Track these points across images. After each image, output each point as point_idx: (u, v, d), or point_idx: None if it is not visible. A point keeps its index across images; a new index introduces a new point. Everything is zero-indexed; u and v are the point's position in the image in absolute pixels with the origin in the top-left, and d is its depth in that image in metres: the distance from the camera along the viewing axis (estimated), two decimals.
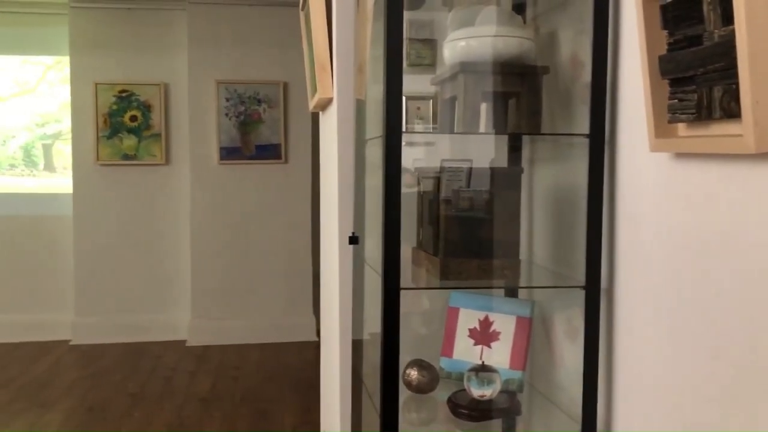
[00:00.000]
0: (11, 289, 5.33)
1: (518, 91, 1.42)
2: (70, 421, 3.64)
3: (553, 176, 1.61)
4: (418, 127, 1.61)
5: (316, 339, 5.24)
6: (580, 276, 1.41)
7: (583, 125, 1.36)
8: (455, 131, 1.41)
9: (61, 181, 5.58)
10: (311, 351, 4.99)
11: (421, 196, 1.59)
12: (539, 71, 1.46)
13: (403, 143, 1.32)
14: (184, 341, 5.25)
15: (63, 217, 5.33)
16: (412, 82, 1.90)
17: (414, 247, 1.68)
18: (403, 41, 1.34)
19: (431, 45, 1.90)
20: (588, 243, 1.37)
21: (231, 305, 5.31)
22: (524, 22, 1.63)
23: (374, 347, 1.63)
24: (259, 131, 5.26)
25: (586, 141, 1.34)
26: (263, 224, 5.32)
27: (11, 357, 4.85)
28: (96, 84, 5.19)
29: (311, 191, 5.31)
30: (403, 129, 1.33)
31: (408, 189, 1.50)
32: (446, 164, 1.46)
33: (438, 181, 1.47)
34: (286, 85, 5.27)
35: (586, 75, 1.50)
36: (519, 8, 1.63)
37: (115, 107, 5.22)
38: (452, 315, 1.78)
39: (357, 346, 2.01)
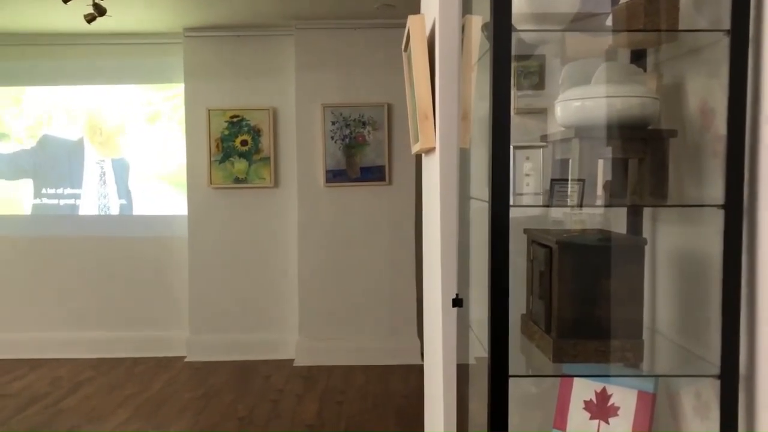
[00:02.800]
0: (132, 307, 5.62)
1: (641, 157, 1.29)
2: None
3: (678, 243, 1.45)
4: (527, 189, 1.50)
5: (421, 363, 5.17)
6: (713, 355, 1.26)
7: (716, 189, 1.21)
8: (569, 204, 1.29)
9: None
10: (416, 375, 4.92)
11: (531, 262, 1.48)
12: (665, 135, 1.31)
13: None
14: (291, 360, 5.33)
15: (179, 238, 5.56)
16: (521, 130, 1.79)
17: (523, 315, 1.58)
18: (511, 102, 1.25)
19: (541, 93, 1.78)
20: (724, 327, 1.22)
21: (336, 326, 5.34)
22: (644, 70, 1.49)
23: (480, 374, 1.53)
24: (364, 153, 5.27)
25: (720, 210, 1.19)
26: (368, 246, 5.32)
27: (131, 373, 5.10)
28: (209, 110, 5.38)
29: (415, 212, 5.26)
30: (511, 202, 1.24)
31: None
32: (562, 236, 1.35)
33: (550, 251, 1.36)
34: (390, 107, 5.26)
35: (719, 127, 1.34)
36: (638, 55, 1.49)
37: (226, 132, 5.40)
38: (566, 384, 1.65)
39: (462, 371, 1.92)
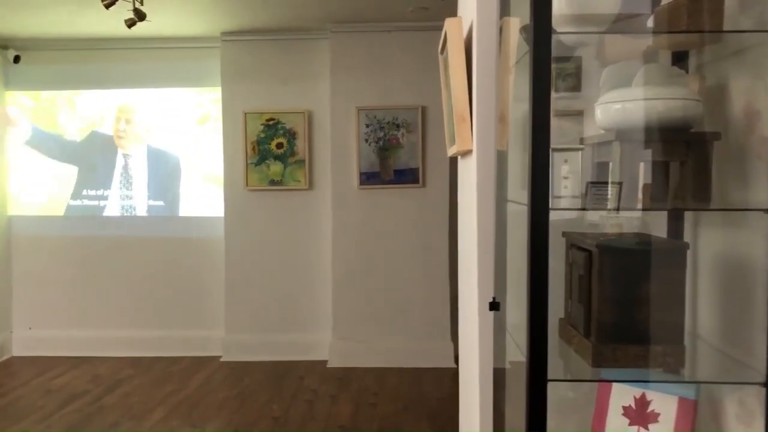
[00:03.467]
0: (170, 306, 5.71)
1: (683, 160, 1.27)
2: None
3: (721, 247, 1.43)
4: (565, 192, 1.49)
5: (454, 366, 5.15)
6: (757, 362, 1.23)
7: (761, 193, 1.19)
8: (609, 207, 1.28)
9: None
10: (449, 378, 4.91)
11: (570, 266, 1.47)
12: (708, 137, 1.29)
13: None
14: (325, 362, 5.36)
15: (216, 239, 5.64)
16: (557, 132, 1.78)
17: (561, 319, 1.56)
18: (550, 104, 1.25)
19: (578, 95, 1.77)
20: None
21: (370, 328, 5.36)
22: (686, 72, 1.46)
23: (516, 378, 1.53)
24: (398, 156, 5.27)
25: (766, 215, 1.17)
26: (402, 248, 5.33)
27: (170, 372, 5.18)
28: (245, 113, 5.44)
29: (449, 215, 5.25)
30: (550, 205, 1.24)
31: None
32: (602, 239, 1.33)
33: (590, 255, 1.35)
34: (424, 110, 5.26)
35: (764, 130, 1.32)
36: (680, 57, 1.47)
37: (262, 135, 5.45)
38: (604, 389, 1.63)
39: (498, 375, 1.91)
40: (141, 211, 5.73)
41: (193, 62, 5.64)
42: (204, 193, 5.72)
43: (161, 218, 5.73)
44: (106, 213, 5.75)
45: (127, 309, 5.72)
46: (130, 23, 4.16)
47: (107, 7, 3.78)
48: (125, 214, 5.74)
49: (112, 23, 4.71)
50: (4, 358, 5.60)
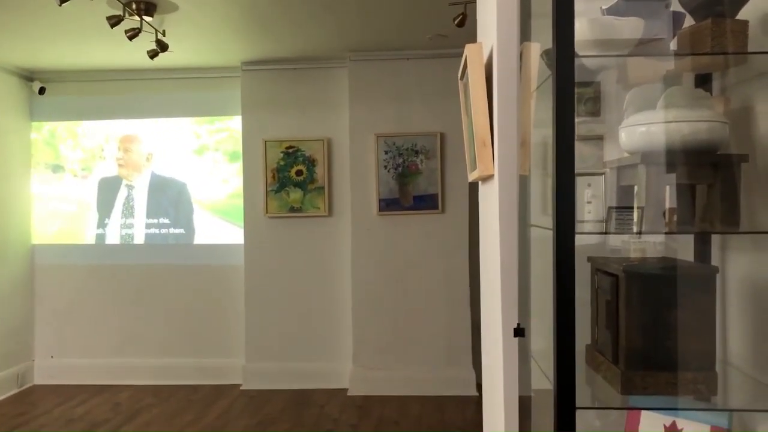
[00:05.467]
0: (191, 334, 5.71)
1: (710, 183, 1.25)
2: None
3: (751, 271, 1.40)
4: (589, 216, 1.48)
5: (476, 394, 5.09)
6: None
7: None
8: (635, 232, 1.26)
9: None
10: (472, 407, 4.84)
11: (596, 291, 1.45)
12: (735, 159, 1.28)
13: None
14: (345, 390, 5.32)
15: (236, 267, 5.65)
16: (577, 157, 1.77)
17: (588, 345, 1.54)
18: (574, 130, 1.24)
19: (600, 119, 1.76)
20: None
21: (390, 356, 5.31)
22: (711, 94, 1.45)
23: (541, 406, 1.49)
24: (417, 182, 5.28)
25: None
26: (421, 274, 5.30)
27: (189, 400, 5.17)
28: (265, 141, 5.49)
29: (469, 240, 5.23)
30: (576, 230, 1.22)
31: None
32: (628, 264, 1.31)
33: (617, 280, 1.33)
34: (442, 136, 5.27)
35: None
36: (704, 79, 1.46)
37: (282, 162, 5.49)
38: (633, 417, 1.59)
39: (522, 403, 1.87)
40: (160, 239, 5.77)
41: (214, 92, 5.72)
42: (221, 222, 5.76)
43: (181, 246, 5.76)
44: (127, 241, 5.79)
45: (147, 337, 5.73)
46: (153, 54, 4.25)
47: (131, 38, 3.86)
48: (146, 243, 5.78)
49: (135, 55, 4.81)
50: (27, 386, 5.63)
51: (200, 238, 5.77)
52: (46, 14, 4.03)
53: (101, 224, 5.81)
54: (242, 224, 5.59)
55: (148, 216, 5.79)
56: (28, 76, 5.69)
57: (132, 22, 3.81)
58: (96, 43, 4.74)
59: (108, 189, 5.81)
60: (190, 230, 5.78)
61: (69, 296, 5.80)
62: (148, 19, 3.88)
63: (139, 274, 5.76)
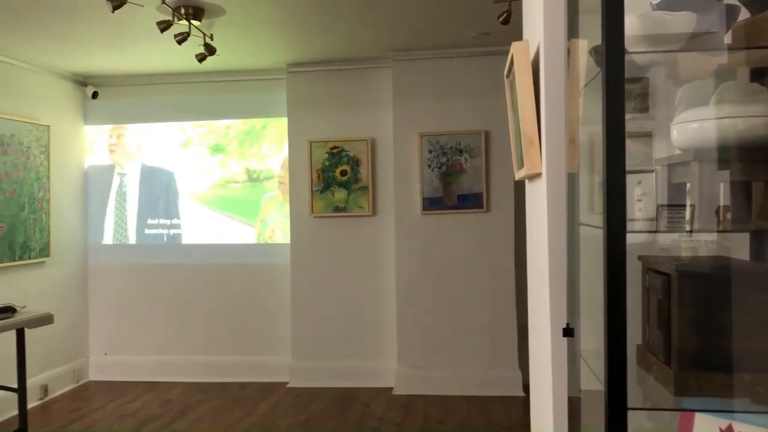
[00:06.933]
0: (238, 333, 5.81)
1: (766, 180, 1.22)
2: None
3: None
4: (639, 214, 1.45)
5: (522, 394, 5.04)
6: None
7: None
8: (687, 230, 1.24)
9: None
10: (517, 407, 4.80)
11: (647, 290, 1.42)
12: None
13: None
14: (390, 389, 5.33)
15: (282, 266, 5.72)
16: (627, 154, 1.74)
17: (639, 345, 1.51)
18: (625, 127, 1.22)
19: (648, 115, 1.73)
20: None
21: (435, 355, 5.31)
22: (767, 88, 1.41)
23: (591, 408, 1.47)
24: (461, 181, 5.26)
25: None
26: (466, 273, 5.28)
27: (238, 397, 5.26)
28: (310, 141, 5.55)
29: (514, 239, 5.18)
30: (627, 228, 1.20)
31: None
32: (680, 263, 1.29)
33: (668, 279, 1.30)
34: (487, 134, 5.24)
35: None
36: (759, 74, 1.42)
37: (327, 163, 5.54)
38: (686, 419, 1.56)
39: (571, 404, 1.85)
40: (209, 239, 5.88)
41: (261, 93, 5.80)
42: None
43: (229, 246, 5.86)
44: (175, 241, 5.93)
45: (196, 335, 5.85)
46: (201, 57, 4.33)
47: (180, 42, 3.94)
48: (194, 242, 5.90)
49: (184, 58, 4.91)
50: (82, 382, 5.81)
51: (249, 237, 5.86)
52: (100, 21, 4.15)
53: (142, 225, 5.96)
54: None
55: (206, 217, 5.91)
56: (81, 81, 5.87)
57: (181, 26, 3.90)
58: (146, 48, 4.86)
59: (162, 182, 5.96)
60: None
61: (120, 295, 5.96)
62: (196, 23, 3.96)
63: (188, 274, 5.88)
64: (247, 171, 5.86)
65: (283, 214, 5.76)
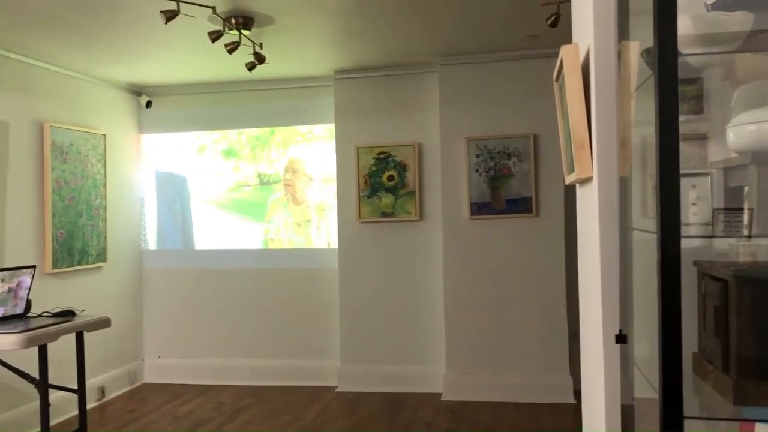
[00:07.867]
0: (288, 337, 5.88)
1: None
2: None
3: None
4: (694, 218, 1.42)
5: (573, 401, 4.96)
6: None
7: None
8: (745, 235, 1.21)
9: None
10: (568, 415, 4.73)
11: (703, 297, 1.39)
12: None
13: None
14: (439, 394, 5.32)
15: (331, 271, 5.77)
16: (681, 157, 1.70)
17: (695, 353, 1.48)
18: (679, 131, 1.20)
19: (703, 117, 1.69)
20: None
21: (484, 361, 5.27)
22: None
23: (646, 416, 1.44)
24: (510, 185, 5.22)
25: None
26: (515, 279, 5.23)
27: (286, 401, 5.32)
28: (357, 147, 5.59)
29: (564, 244, 5.11)
30: (682, 233, 1.18)
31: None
32: (739, 268, 1.26)
33: (726, 285, 1.27)
34: (536, 138, 5.19)
35: None
36: None
37: (374, 168, 5.57)
38: (746, 429, 1.52)
39: (625, 412, 1.82)
40: (259, 244, 5.97)
41: (308, 100, 5.88)
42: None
43: (278, 251, 5.94)
44: (228, 247, 6.04)
45: (247, 339, 5.94)
46: (251, 66, 4.41)
47: (230, 52, 4.03)
48: (244, 248, 6.00)
49: (234, 67, 5.01)
50: (137, 384, 5.96)
51: (300, 242, 5.93)
52: (153, 32, 4.27)
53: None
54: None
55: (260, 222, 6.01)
56: (136, 91, 6.05)
57: (231, 36, 3.98)
58: (198, 58, 4.97)
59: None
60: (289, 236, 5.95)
61: (173, 299, 6.10)
62: (246, 32, 4.04)
63: (238, 279, 5.98)
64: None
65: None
